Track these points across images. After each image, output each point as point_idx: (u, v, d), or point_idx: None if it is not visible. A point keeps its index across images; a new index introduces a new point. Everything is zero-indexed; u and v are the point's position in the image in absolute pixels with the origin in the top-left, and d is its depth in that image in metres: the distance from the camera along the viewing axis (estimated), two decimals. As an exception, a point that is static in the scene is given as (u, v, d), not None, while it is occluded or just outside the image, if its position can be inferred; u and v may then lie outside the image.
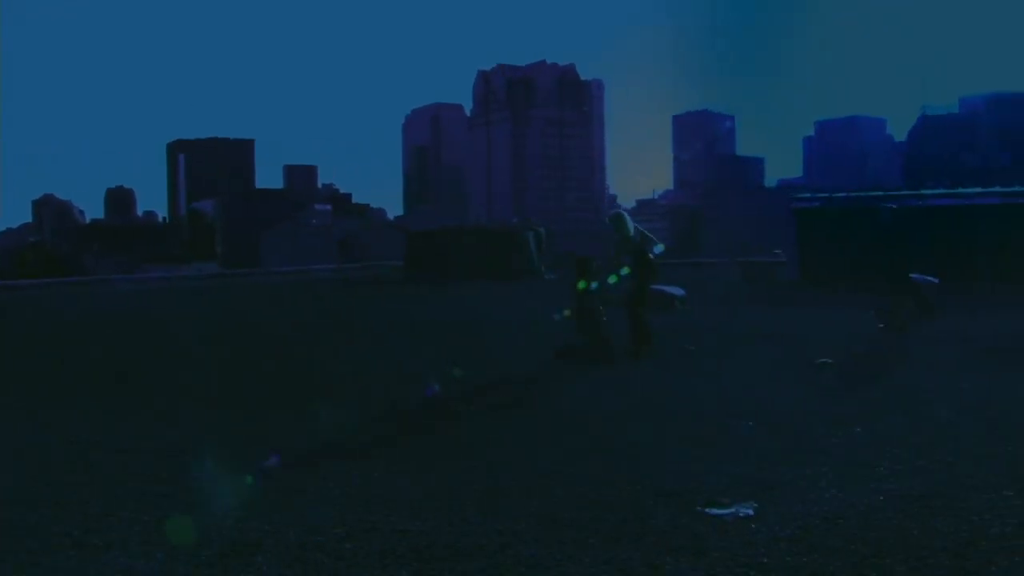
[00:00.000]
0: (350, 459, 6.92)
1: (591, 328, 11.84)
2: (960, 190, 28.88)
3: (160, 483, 6.30)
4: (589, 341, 11.80)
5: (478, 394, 9.78)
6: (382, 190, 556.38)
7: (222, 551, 4.86)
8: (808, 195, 30.81)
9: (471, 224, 75.97)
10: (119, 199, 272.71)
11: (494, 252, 32.71)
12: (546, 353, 12.06)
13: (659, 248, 12.42)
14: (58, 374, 11.94)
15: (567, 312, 12.68)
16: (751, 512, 5.28)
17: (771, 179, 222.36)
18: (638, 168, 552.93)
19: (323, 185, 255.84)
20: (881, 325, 14.37)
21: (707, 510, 5.34)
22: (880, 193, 29.84)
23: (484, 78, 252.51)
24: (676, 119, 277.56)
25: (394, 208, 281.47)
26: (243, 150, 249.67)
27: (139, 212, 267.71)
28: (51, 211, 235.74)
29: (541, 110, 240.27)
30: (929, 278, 16.27)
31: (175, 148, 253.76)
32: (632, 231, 12.09)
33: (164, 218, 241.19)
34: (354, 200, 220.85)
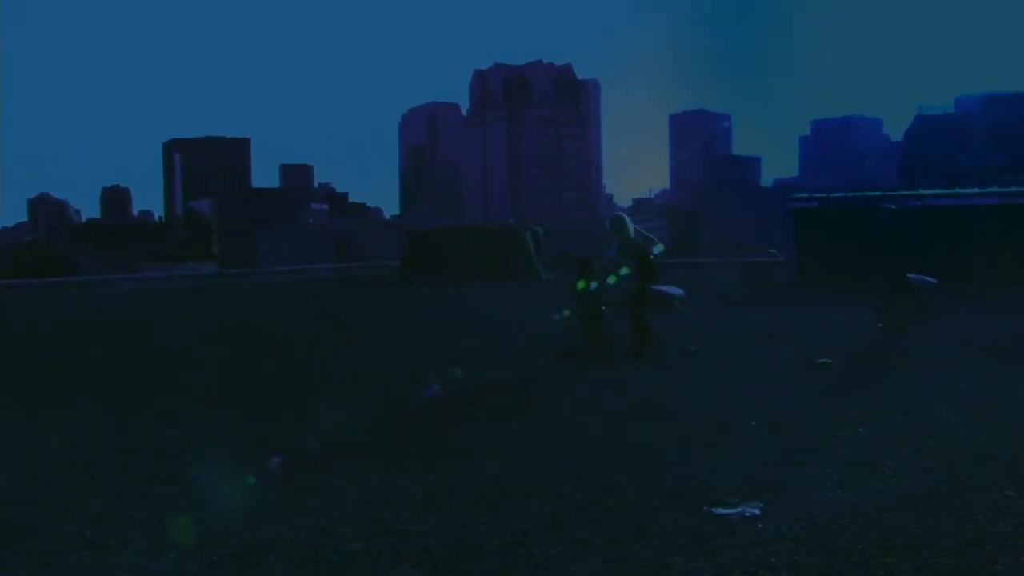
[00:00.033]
0: (354, 459, 6.93)
1: (592, 328, 11.85)
2: (958, 190, 28.93)
3: (162, 483, 6.30)
4: (590, 341, 11.81)
5: (478, 394, 9.78)
6: (378, 189, 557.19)
7: (233, 551, 4.87)
8: (806, 195, 30.83)
9: (469, 224, 76.04)
10: (115, 198, 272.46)
11: (492, 252, 32.74)
12: (546, 353, 12.07)
13: (659, 248, 12.45)
14: (58, 374, 11.93)
15: (567, 312, 12.69)
16: (757, 512, 5.30)
17: (767, 179, 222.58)
18: (634, 168, 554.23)
19: (319, 184, 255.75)
20: (880, 325, 14.40)
21: (713, 510, 5.35)
22: (878, 193, 29.90)
23: (480, 77, 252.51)
24: (672, 119, 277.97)
25: (390, 207, 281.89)
26: (239, 149, 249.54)
27: (135, 211, 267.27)
28: (47, 210, 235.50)
29: (537, 109, 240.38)
30: (927, 278, 16.30)
31: (171, 147, 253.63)
32: (633, 233, 12.12)
33: (160, 217, 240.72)
34: (350, 199, 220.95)
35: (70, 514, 5.59)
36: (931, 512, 5.29)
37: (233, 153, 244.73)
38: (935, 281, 16.27)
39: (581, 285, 12.06)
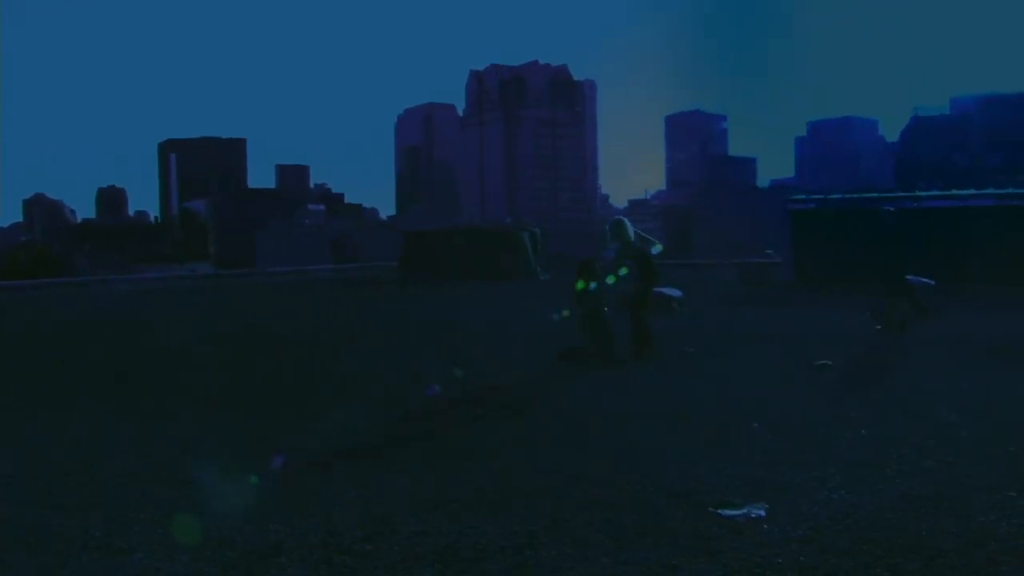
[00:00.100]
0: (358, 460, 6.92)
1: (593, 329, 11.86)
2: (955, 192, 29.00)
3: (163, 484, 6.29)
4: (591, 342, 11.83)
5: (478, 394, 9.77)
6: (374, 190, 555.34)
7: (245, 553, 4.87)
8: (803, 196, 30.94)
9: (466, 224, 75.99)
10: (110, 199, 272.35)
11: (490, 253, 32.75)
12: (546, 353, 12.08)
13: (657, 249, 12.48)
14: (58, 374, 11.92)
15: (566, 312, 12.70)
16: (763, 513, 5.31)
17: (763, 179, 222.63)
18: (630, 168, 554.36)
19: (315, 185, 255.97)
20: (878, 327, 14.42)
21: (719, 511, 5.36)
22: (875, 195, 29.99)
23: (477, 78, 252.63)
24: (668, 119, 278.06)
25: (386, 208, 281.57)
26: (235, 149, 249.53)
27: (131, 212, 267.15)
28: (42, 211, 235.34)
29: (534, 110, 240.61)
30: (925, 280, 16.32)
31: (167, 147, 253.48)
32: (632, 236, 12.15)
33: (156, 218, 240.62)
34: (346, 200, 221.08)
35: (73, 515, 5.58)
36: (933, 512, 5.31)
37: (229, 153, 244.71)
38: (933, 283, 16.30)
39: (580, 286, 12.06)
